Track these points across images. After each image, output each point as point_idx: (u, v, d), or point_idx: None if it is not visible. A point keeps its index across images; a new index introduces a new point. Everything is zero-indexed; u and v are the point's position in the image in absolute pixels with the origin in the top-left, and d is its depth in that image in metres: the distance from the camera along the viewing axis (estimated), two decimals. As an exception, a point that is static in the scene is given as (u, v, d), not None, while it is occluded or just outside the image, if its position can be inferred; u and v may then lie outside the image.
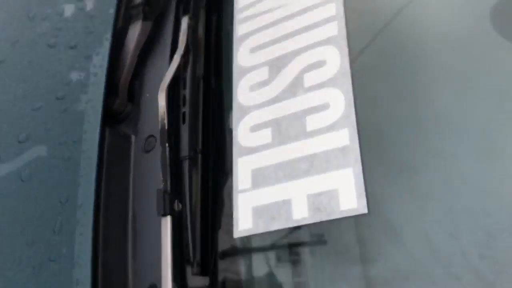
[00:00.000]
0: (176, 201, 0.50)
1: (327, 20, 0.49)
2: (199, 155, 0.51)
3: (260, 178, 0.46)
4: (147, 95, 0.60)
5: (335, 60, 0.47)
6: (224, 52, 0.57)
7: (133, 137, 0.58)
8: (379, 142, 0.43)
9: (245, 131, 0.49)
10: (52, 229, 0.50)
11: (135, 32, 0.61)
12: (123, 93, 0.61)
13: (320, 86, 0.47)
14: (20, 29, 0.65)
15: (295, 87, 0.49)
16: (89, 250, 0.48)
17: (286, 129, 0.47)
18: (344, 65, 0.46)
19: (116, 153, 0.55)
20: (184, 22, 0.57)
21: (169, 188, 0.49)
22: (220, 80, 0.55)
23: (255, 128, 0.49)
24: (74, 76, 0.58)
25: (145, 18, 0.61)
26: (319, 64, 0.48)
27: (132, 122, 0.60)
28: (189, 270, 0.49)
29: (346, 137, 0.43)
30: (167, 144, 0.50)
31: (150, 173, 0.54)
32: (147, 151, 0.56)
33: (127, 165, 0.56)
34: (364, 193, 0.40)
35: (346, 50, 0.47)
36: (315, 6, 0.51)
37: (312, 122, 0.46)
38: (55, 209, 0.51)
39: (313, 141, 0.45)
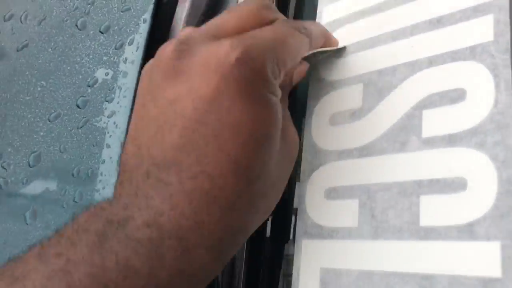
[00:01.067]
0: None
1: (475, 11, 0.27)
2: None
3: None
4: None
5: (484, 93, 0.25)
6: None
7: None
8: None
9: (318, 194, 0.30)
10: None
11: (184, 10, 0.43)
12: (169, 93, 0.45)
13: (451, 142, 0.26)
14: (49, 1, 0.50)
15: (405, 134, 0.28)
16: None
17: (383, 214, 0.27)
18: (503, 108, 0.24)
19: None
20: None
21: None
22: (293, 99, 0.35)
23: (333, 194, 0.30)
24: (100, 74, 0.43)
25: (198, -11, 0.43)
26: (453, 96, 0.26)
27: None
28: None
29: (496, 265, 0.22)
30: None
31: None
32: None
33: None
34: None
35: (508, 75, 0.24)
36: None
37: (432, 212, 0.25)
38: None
39: (434, 248, 0.25)
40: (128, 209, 0.21)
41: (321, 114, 0.32)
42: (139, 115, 0.25)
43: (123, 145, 0.25)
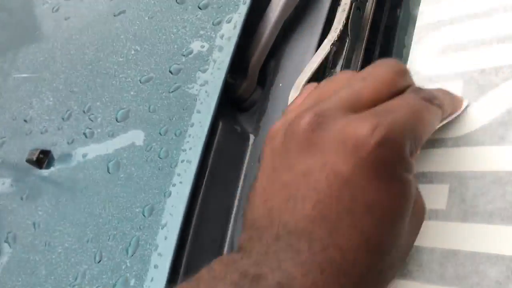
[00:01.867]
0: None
1: None
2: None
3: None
4: (280, 85, 0.45)
5: None
6: (398, 44, 0.39)
7: (251, 138, 0.45)
8: None
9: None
10: (125, 248, 0.39)
11: (281, -2, 0.46)
12: (253, 74, 0.47)
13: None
14: (151, -26, 0.53)
15: (504, 129, 0.29)
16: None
17: (474, 199, 0.29)
18: None
19: (225, 157, 0.42)
20: (349, -8, 0.40)
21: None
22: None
23: (423, 178, 0.32)
24: (196, 46, 0.45)
25: (298, -20, 0.45)
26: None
27: (255, 116, 0.46)
28: None
29: None
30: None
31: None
32: (265, 164, 0.42)
33: (237, 176, 0.43)
34: None
35: None
36: None
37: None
38: (133, 220, 0.39)
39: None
40: (260, 267, 0.22)
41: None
42: (269, 178, 0.25)
43: (249, 200, 0.26)
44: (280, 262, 0.22)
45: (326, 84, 0.28)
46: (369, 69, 0.26)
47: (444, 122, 0.30)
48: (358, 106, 0.24)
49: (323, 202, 0.22)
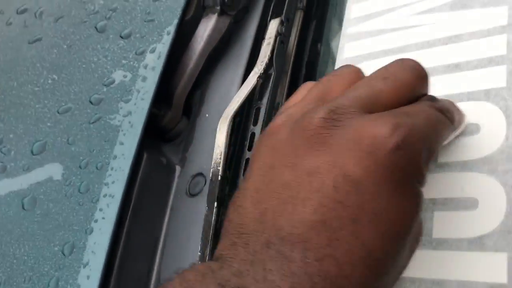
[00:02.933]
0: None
1: (491, 61, 0.31)
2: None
3: None
4: (206, 115, 0.45)
5: (497, 129, 0.29)
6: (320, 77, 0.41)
7: (177, 169, 0.44)
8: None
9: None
10: (42, 290, 0.36)
11: (206, 29, 0.46)
12: (178, 105, 0.47)
13: (465, 167, 0.29)
14: (68, 2, 0.52)
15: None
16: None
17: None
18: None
19: (151, 190, 0.41)
20: (273, 26, 0.41)
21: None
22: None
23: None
24: (118, 76, 0.44)
25: (222, 13, 0.46)
26: (468, 130, 0.30)
27: (181, 147, 0.46)
28: None
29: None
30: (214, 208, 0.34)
31: (191, 223, 0.39)
32: (192, 195, 0.41)
33: (163, 209, 0.42)
34: None
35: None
36: (476, 35, 0.33)
37: (445, 226, 0.29)
38: (52, 260, 0.37)
39: (445, 257, 0.28)
40: (242, 277, 0.20)
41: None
42: (266, 177, 0.22)
43: (234, 203, 0.23)
44: (266, 272, 0.19)
45: (330, 80, 0.26)
46: (391, 69, 0.25)
47: (449, 140, 0.29)
48: (376, 107, 0.23)
49: (326, 206, 0.20)
